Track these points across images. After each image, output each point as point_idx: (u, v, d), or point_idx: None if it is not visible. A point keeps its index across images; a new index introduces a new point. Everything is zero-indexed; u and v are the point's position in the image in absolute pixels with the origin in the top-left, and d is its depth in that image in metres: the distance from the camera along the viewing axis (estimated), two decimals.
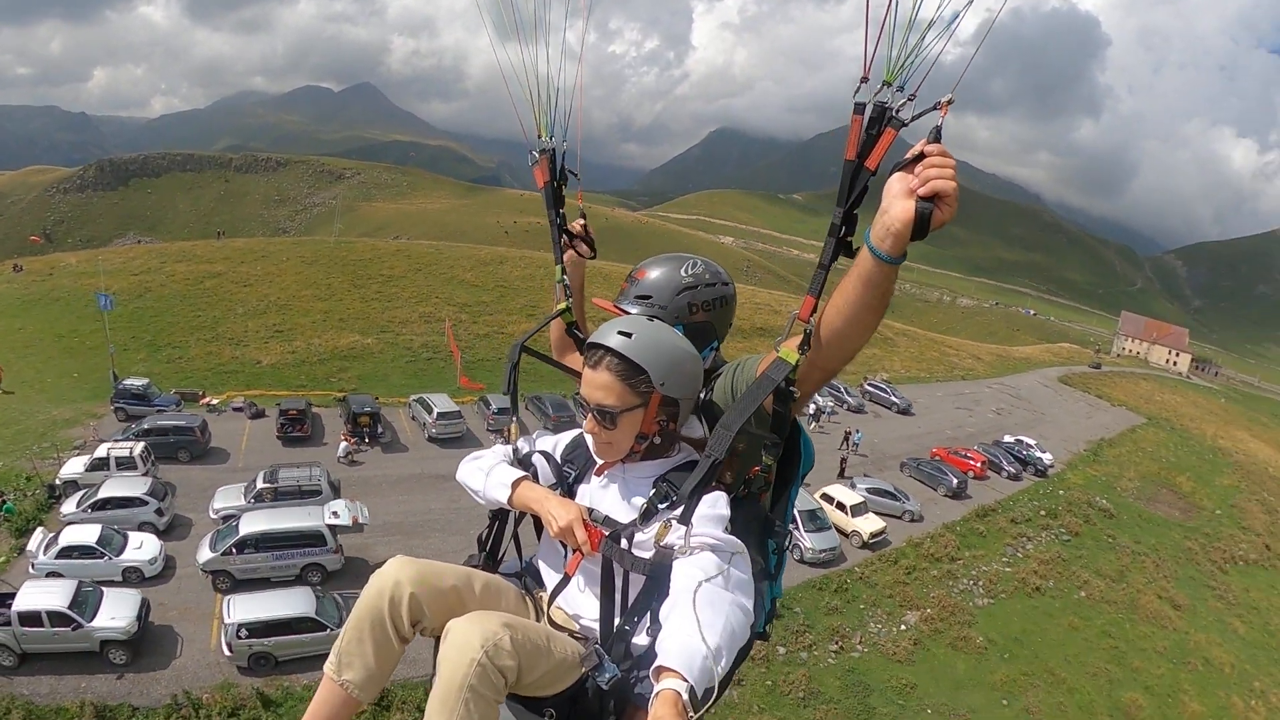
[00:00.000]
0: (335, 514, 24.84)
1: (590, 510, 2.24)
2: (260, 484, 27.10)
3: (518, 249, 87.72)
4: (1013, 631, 24.52)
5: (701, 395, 2.42)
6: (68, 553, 22.22)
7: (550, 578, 2.44)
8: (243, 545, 22.90)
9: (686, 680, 1.58)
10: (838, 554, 26.81)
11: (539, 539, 2.52)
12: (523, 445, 2.55)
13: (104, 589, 20.91)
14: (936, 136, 1.74)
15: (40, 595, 20.05)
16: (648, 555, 2.03)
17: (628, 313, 2.47)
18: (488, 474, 2.41)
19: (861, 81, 1.84)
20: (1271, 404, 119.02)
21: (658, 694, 1.58)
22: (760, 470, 2.31)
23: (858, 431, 39.35)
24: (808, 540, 26.20)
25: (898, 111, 1.81)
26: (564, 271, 3.05)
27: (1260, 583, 34.31)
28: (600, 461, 2.35)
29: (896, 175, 1.77)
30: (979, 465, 38.81)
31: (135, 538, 23.68)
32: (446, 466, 29.37)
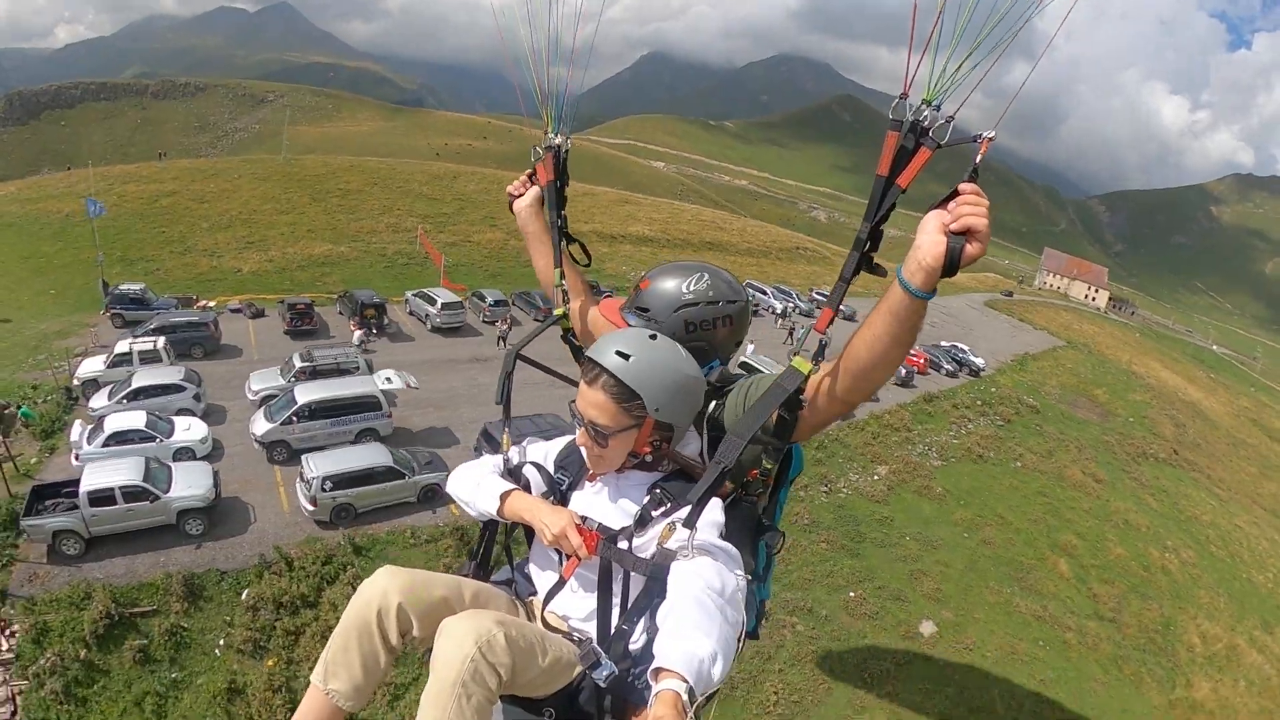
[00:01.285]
0: (388, 379, 26.53)
1: (584, 519, 2.25)
2: (299, 363, 27.87)
3: (468, 165, 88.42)
4: (965, 486, 29.07)
5: (709, 409, 2.47)
6: (116, 439, 22.10)
7: (542, 582, 2.46)
8: (301, 414, 23.70)
9: (686, 681, 1.62)
10: None
11: (529, 546, 2.54)
12: (514, 455, 2.55)
13: (170, 464, 21.33)
14: (973, 175, 1.82)
15: (109, 474, 19.78)
16: (648, 556, 2.06)
17: (629, 323, 2.53)
18: (478, 485, 2.42)
19: (900, 98, 1.91)
20: (1183, 344, 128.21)
21: (657, 694, 1.61)
22: (759, 474, 2.43)
23: (801, 329, 42.57)
24: None
25: (934, 133, 1.89)
26: (563, 276, 3.00)
27: (1168, 476, 39.36)
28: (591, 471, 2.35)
29: (933, 213, 1.83)
30: (921, 362, 43.04)
31: (181, 421, 23.98)
32: (455, 352, 33.33)
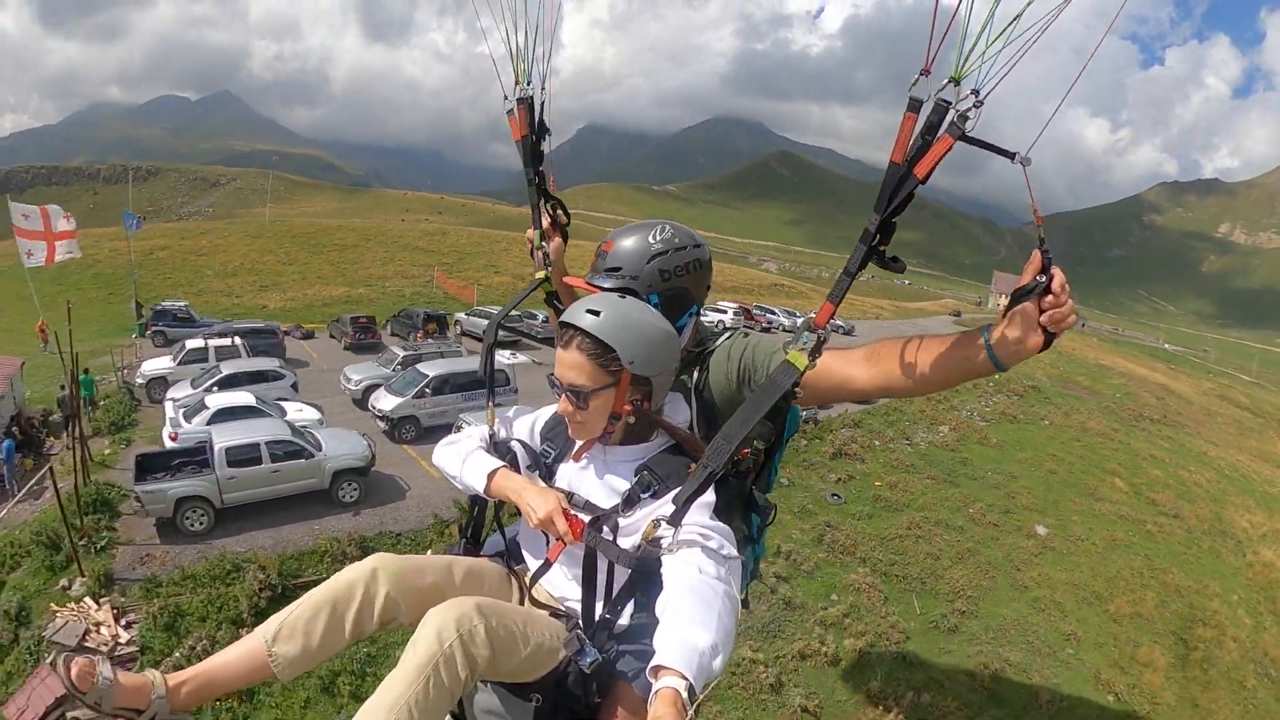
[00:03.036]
0: (510, 355, 27.88)
1: (570, 495, 2.26)
2: (401, 353, 28.12)
3: (452, 224, 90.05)
4: (1012, 438, 33.08)
5: (694, 379, 2.57)
6: (225, 415, 19.89)
7: (532, 557, 2.47)
8: (431, 389, 23.01)
9: (685, 678, 1.62)
10: None
11: (521, 516, 2.42)
12: (500, 430, 2.55)
13: (314, 429, 19.80)
14: (1042, 243, 1.75)
15: (250, 431, 17.97)
16: (632, 546, 2.07)
17: (598, 287, 2.50)
18: (464, 460, 2.41)
19: (921, 74, 1.72)
20: (1135, 346, 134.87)
21: (657, 692, 1.60)
22: (750, 454, 2.49)
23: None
24: None
25: (962, 117, 1.70)
26: (543, 237, 2.95)
27: (1166, 431, 43.73)
28: (579, 443, 2.33)
29: (1029, 305, 1.78)
30: None
31: (290, 405, 22.41)
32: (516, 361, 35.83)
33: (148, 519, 16.38)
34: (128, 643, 13.32)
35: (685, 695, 1.59)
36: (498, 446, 2.49)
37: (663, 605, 1.83)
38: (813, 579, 18.57)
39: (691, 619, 1.74)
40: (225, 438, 17.16)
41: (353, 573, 2.16)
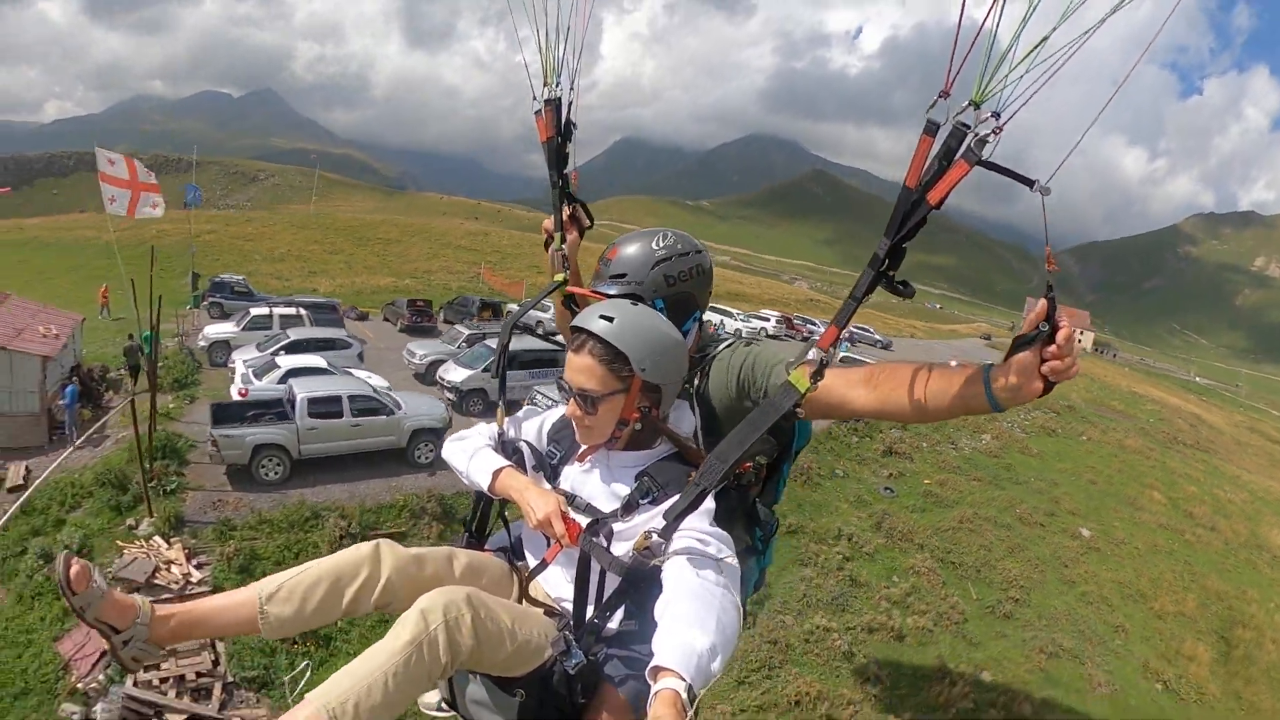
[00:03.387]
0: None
1: (573, 497, 2.29)
2: (466, 331, 28.46)
3: (491, 226, 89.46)
4: (1052, 449, 33.87)
5: (694, 384, 2.55)
6: (296, 375, 19.63)
7: (531, 554, 2.49)
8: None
9: (685, 679, 1.62)
10: None
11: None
12: (509, 429, 2.58)
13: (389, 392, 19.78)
14: (1050, 292, 1.68)
15: (332, 384, 18.40)
16: (625, 554, 2.06)
17: (604, 294, 2.51)
18: (471, 458, 2.45)
19: (940, 96, 1.66)
20: (1168, 379, 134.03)
21: (656, 694, 1.61)
22: (752, 467, 2.55)
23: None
24: None
25: (980, 142, 1.64)
26: (564, 240, 2.92)
27: (1201, 456, 44.21)
28: (584, 446, 2.36)
29: (1030, 355, 1.72)
30: None
31: (359, 372, 22.33)
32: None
33: (218, 467, 16.48)
34: (199, 582, 13.43)
35: (685, 696, 1.59)
36: (505, 446, 2.52)
37: (662, 608, 1.85)
38: (874, 561, 19.55)
39: (691, 621, 1.75)
40: (307, 389, 17.30)
41: (358, 552, 2.19)
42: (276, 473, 16.45)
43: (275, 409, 17.50)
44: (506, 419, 2.59)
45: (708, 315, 2.79)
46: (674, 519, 1.97)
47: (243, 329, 26.68)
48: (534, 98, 2.84)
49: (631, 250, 2.60)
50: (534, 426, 2.60)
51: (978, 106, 1.63)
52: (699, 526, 2.00)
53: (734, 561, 2.01)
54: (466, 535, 2.69)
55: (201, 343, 26.83)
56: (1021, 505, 25.70)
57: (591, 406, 2.19)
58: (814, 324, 61.36)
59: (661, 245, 2.59)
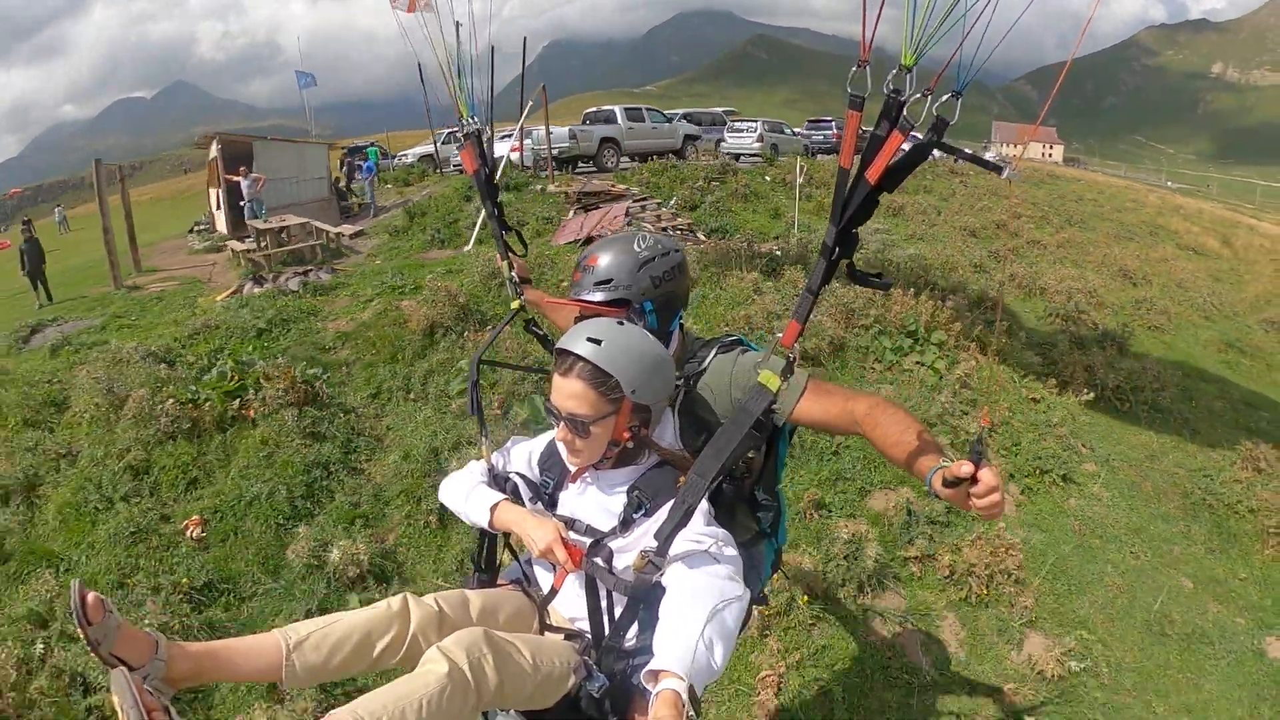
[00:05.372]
0: None
1: (572, 521, 2.25)
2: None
3: None
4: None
5: (688, 385, 2.40)
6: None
7: (543, 581, 2.45)
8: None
9: (684, 679, 1.60)
10: None
11: None
12: (497, 460, 2.53)
13: None
14: (978, 453, 1.55)
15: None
16: (628, 573, 1.98)
17: (589, 303, 2.43)
18: (466, 497, 2.39)
19: (859, 65, 1.54)
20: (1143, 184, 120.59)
21: (657, 694, 1.59)
22: (741, 462, 2.37)
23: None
24: None
25: (908, 108, 1.49)
26: (511, 267, 2.96)
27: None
28: (573, 469, 2.31)
29: (958, 493, 1.62)
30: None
31: None
32: None
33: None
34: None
35: (685, 696, 1.58)
36: (497, 479, 2.45)
37: (663, 609, 1.84)
38: None
39: (688, 620, 1.74)
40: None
41: (389, 609, 2.11)
42: (613, 162, 22.68)
43: (606, 117, 24.59)
44: (495, 452, 2.56)
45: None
46: (664, 540, 1.91)
47: (442, 143, 29.33)
48: (454, 134, 3.19)
49: (613, 255, 2.45)
50: (523, 456, 2.51)
51: (910, 70, 1.47)
52: (695, 528, 1.98)
53: (733, 554, 2.01)
54: (476, 574, 2.61)
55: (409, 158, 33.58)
56: None
57: (583, 431, 2.11)
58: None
59: (644, 246, 2.47)
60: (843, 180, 1.59)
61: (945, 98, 1.42)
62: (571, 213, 14.97)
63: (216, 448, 7.09)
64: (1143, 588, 5.85)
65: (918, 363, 8.30)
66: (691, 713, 1.56)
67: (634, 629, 2.08)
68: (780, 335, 1.90)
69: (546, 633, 2.28)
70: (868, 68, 1.49)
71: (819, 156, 28.80)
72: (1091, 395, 8.69)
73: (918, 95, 1.44)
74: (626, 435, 2.14)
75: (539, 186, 17.45)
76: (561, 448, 2.25)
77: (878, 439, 1.97)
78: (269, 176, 20.08)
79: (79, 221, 45.79)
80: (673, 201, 16.17)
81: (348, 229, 18.68)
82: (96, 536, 6.16)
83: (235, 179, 20.02)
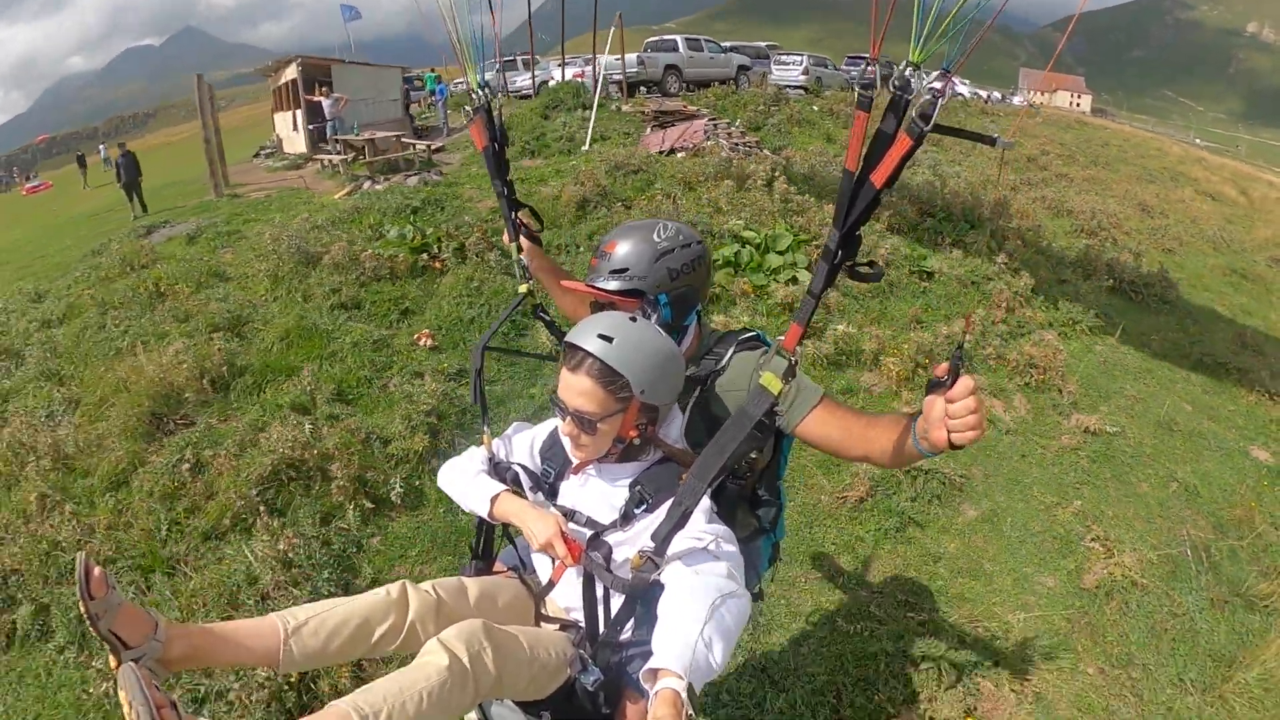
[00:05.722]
0: None
1: (572, 513, 2.23)
2: None
3: None
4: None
5: (694, 394, 2.34)
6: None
7: (540, 570, 2.48)
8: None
9: (683, 677, 1.60)
10: None
11: None
12: (499, 450, 2.48)
13: None
14: (958, 362, 1.52)
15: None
16: (626, 571, 1.95)
17: (604, 290, 2.35)
18: (466, 486, 2.35)
19: (868, 64, 1.48)
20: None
21: (656, 693, 1.59)
22: (744, 462, 2.36)
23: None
24: None
25: (918, 108, 1.37)
26: (519, 249, 2.84)
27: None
28: (576, 461, 2.28)
29: (939, 400, 1.56)
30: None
31: None
32: None
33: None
34: None
35: (684, 695, 1.57)
36: (498, 468, 2.40)
37: (662, 607, 1.83)
38: None
39: (687, 618, 1.73)
40: (684, 34, 26.54)
41: (387, 596, 2.12)
42: (676, 87, 23.95)
43: (669, 46, 26.16)
44: (497, 440, 2.51)
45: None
46: (661, 541, 1.86)
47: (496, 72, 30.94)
48: (464, 109, 2.79)
49: (632, 243, 2.36)
50: (525, 445, 2.48)
51: (918, 68, 1.38)
52: (695, 526, 1.95)
53: (733, 550, 2.00)
54: (473, 561, 2.61)
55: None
56: None
57: (590, 429, 2.06)
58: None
59: (663, 237, 2.36)
60: (847, 183, 1.54)
61: (934, 76, 1.34)
62: (649, 129, 16.61)
63: (417, 287, 8.88)
64: (1153, 402, 7.96)
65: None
66: (690, 712, 1.57)
67: (630, 625, 2.10)
68: (782, 338, 1.85)
69: (543, 623, 2.32)
70: (878, 66, 1.47)
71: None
72: (1111, 283, 10.86)
73: (927, 97, 1.35)
74: (633, 433, 2.13)
75: (614, 106, 19.03)
76: (566, 440, 2.21)
77: (876, 455, 1.96)
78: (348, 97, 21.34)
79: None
80: (738, 122, 17.78)
81: (434, 143, 20.04)
82: (337, 347, 7.73)
83: (316, 99, 21.19)
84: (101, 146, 50.39)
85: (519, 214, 2.83)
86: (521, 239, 2.83)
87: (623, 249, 2.34)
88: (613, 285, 2.32)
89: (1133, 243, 14.72)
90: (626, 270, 2.31)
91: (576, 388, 2.02)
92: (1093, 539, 5.39)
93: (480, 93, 2.66)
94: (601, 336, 2.01)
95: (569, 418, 2.07)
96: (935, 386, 1.55)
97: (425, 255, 9.32)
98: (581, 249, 9.85)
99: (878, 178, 1.45)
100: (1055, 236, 13.88)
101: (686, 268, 2.34)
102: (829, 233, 1.60)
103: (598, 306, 2.35)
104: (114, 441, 6.12)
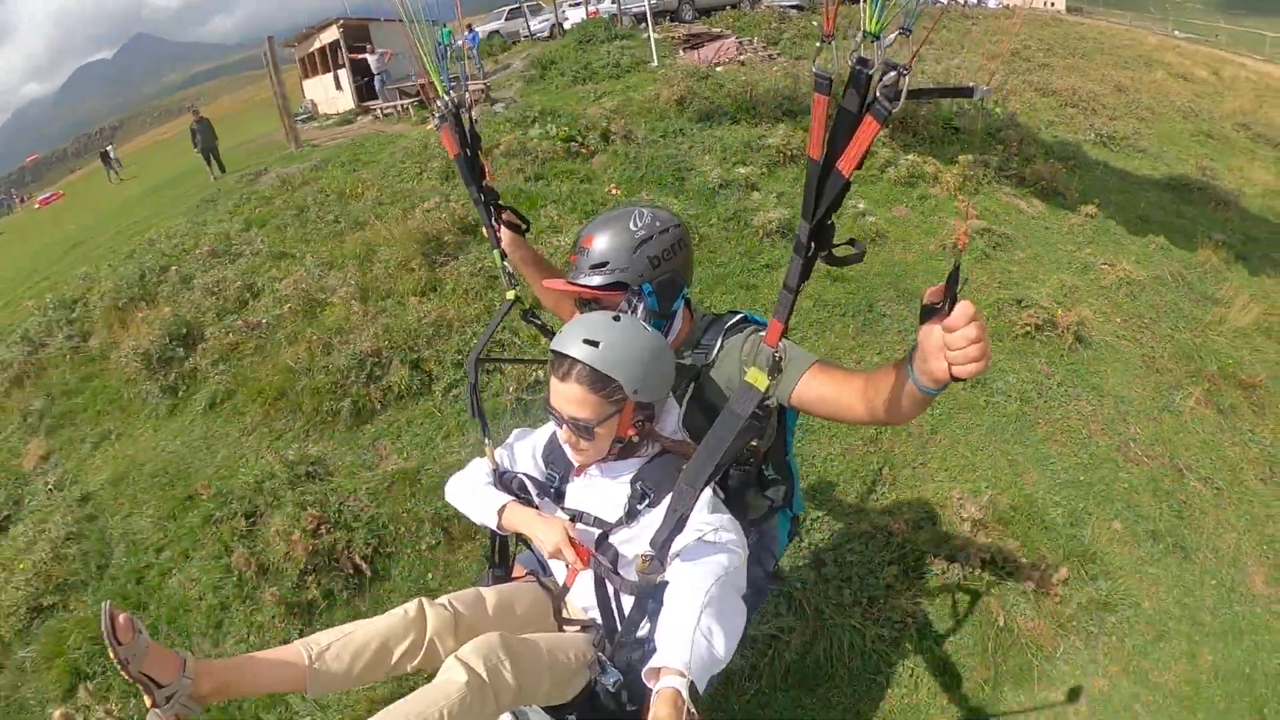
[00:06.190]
0: None
1: (580, 514, 2.26)
2: None
3: None
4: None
5: (689, 388, 2.35)
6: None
7: (556, 570, 2.50)
8: None
9: (685, 676, 1.61)
10: None
11: None
12: (502, 459, 2.50)
13: None
14: (954, 285, 1.32)
15: None
16: (633, 574, 1.91)
17: (585, 287, 2.33)
18: (473, 501, 2.40)
19: (822, 41, 1.32)
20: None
21: (657, 692, 1.60)
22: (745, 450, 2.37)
23: None
24: None
25: (880, 87, 1.22)
26: (504, 256, 2.79)
27: None
28: (577, 464, 2.33)
29: (935, 329, 1.36)
30: None
31: None
32: None
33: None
34: None
35: (685, 693, 1.59)
36: (503, 478, 2.43)
37: (666, 601, 1.85)
38: None
39: (684, 613, 1.75)
40: None
41: (405, 615, 2.16)
42: (690, 15, 24.55)
43: None
44: (500, 450, 2.53)
45: None
46: (660, 547, 1.82)
47: (506, 20, 32.59)
48: (431, 116, 2.77)
49: (609, 235, 2.32)
50: (527, 452, 2.50)
51: (876, 38, 1.21)
52: (697, 519, 1.96)
53: (733, 538, 1.98)
54: (490, 570, 2.65)
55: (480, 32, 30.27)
56: None
57: (587, 434, 2.09)
58: None
59: (640, 225, 2.32)
60: (813, 171, 1.39)
61: (892, 39, 1.20)
62: (681, 51, 18.78)
63: (579, 164, 10.61)
64: (1130, 204, 10.92)
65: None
66: (692, 709, 1.56)
67: (644, 624, 2.06)
68: (763, 335, 1.75)
69: (564, 626, 2.33)
70: (833, 43, 1.32)
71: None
72: (1094, 137, 13.56)
73: (892, 74, 1.19)
74: (632, 432, 2.14)
75: (644, 35, 21.11)
76: (566, 446, 2.23)
77: (880, 407, 1.78)
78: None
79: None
80: (756, 39, 19.95)
81: (485, 82, 21.72)
82: (555, 198, 9.14)
83: (360, 56, 22.88)
84: (109, 147, 53.64)
85: (502, 215, 2.76)
86: (503, 229, 2.75)
87: (600, 243, 2.31)
88: (595, 281, 2.30)
89: (1110, 112, 17.14)
90: (607, 264, 2.29)
91: (569, 396, 2.04)
92: (1103, 263, 8.70)
93: (447, 98, 2.60)
94: (587, 342, 2.01)
95: (565, 426, 2.09)
96: (930, 313, 1.38)
97: (574, 143, 11.26)
98: (686, 133, 11.77)
99: (845, 164, 1.32)
100: (1043, 110, 16.26)
101: (667, 253, 2.32)
102: (800, 226, 1.49)
103: (583, 302, 2.36)
104: (410, 267, 7.68)
